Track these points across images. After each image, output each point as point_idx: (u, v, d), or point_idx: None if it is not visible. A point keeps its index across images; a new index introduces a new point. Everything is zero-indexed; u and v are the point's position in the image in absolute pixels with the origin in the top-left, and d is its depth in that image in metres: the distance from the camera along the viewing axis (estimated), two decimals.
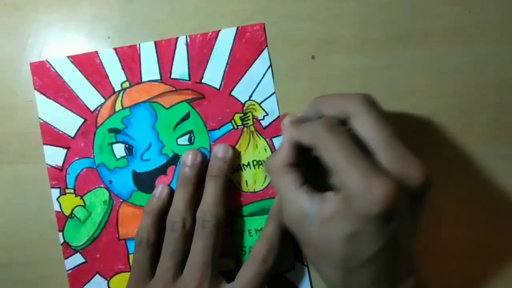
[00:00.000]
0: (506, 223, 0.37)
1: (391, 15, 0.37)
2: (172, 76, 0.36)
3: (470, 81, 0.37)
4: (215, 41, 0.36)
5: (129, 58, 0.36)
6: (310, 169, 0.31)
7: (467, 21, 0.37)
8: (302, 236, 0.30)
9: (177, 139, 0.36)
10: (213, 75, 0.36)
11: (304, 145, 0.30)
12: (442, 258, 0.37)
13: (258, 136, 0.37)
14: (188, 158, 0.35)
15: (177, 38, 0.36)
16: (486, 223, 0.37)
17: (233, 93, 0.37)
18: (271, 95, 0.37)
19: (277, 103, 0.37)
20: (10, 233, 0.36)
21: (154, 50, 0.36)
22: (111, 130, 0.36)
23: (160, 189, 0.36)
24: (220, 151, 0.36)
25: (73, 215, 0.36)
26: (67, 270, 0.36)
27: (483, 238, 0.37)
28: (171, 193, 0.36)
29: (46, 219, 0.36)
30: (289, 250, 0.36)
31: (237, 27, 0.36)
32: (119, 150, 0.36)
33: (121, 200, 0.36)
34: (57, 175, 0.36)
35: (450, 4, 0.37)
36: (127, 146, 0.36)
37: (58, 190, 0.36)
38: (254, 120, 0.37)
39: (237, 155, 0.36)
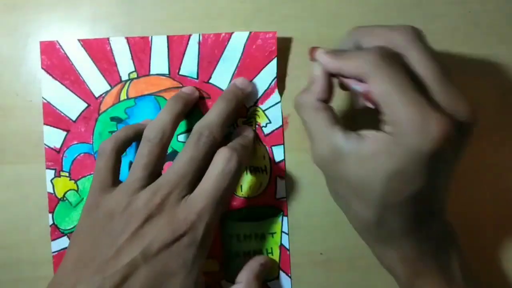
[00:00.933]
0: (506, 224, 0.37)
1: (391, 15, 0.37)
2: (181, 73, 0.36)
3: (470, 81, 0.37)
4: (227, 43, 0.36)
5: (140, 49, 0.36)
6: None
7: (467, 21, 0.37)
8: (335, 174, 0.28)
9: (177, 135, 0.36)
10: (221, 77, 0.36)
11: (345, 76, 0.29)
12: None
13: (258, 143, 0.37)
14: (186, 89, 0.35)
15: (190, 35, 0.36)
16: (486, 223, 0.37)
17: None
18: (277, 103, 0.36)
19: (282, 112, 0.37)
20: (10, 233, 0.36)
21: (166, 44, 0.36)
22: (113, 119, 0.36)
23: (145, 121, 0.35)
24: (240, 83, 0.35)
25: (65, 198, 0.36)
26: (53, 252, 0.36)
27: (485, 241, 0.37)
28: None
29: (46, 219, 0.36)
30: (274, 260, 0.36)
31: (250, 32, 0.36)
32: None
33: None
34: (54, 157, 0.36)
35: (450, 4, 0.37)
36: None
37: (53, 171, 0.36)
38: (257, 126, 0.37)
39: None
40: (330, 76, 0.30)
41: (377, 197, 0.27)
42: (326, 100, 0.30)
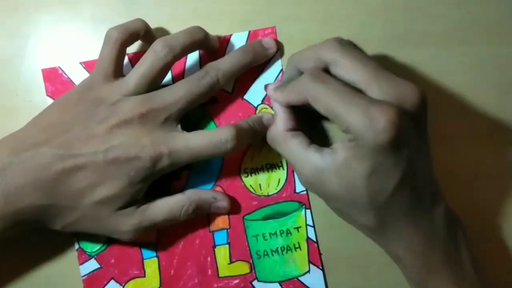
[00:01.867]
0: (506, 224, 0.37)
1: (391, 15, 0.37)
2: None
3: (470, 81, 0.37)
4: (227, 44, 0.36)
5: None
6: (311, 132, 0.33)
7: (466, 21, 0.37)
8: (324, 192, 0.30)
9: None
10: None
11: (296, 105, 0.31)
12: None
13: None
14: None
15: None
16: (486, 223, 0.37)
17: (245, 97, 0.37)
18: None
19: None
20: None
21: None
22: None
23: None
24: (266, 42, 0.36)
25: None
26: (82, 276, 0.36)
27: (486, 243, 0.36)
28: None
29: None
30: (304, 253, 0.36)
31: (249, 31, 0.36)
32: None
33: None
34: None
35: (449, 4, 0.37)
36: None
37: None
38: None
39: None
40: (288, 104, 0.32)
41: (367, 201, 0.28)
42: (293, 127, 0.32)
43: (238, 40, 0.36)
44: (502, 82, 0.37)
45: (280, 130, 0.32)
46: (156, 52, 0.32)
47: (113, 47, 0.32)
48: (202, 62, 0.36)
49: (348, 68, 0.29)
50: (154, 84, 0.32)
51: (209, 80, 0.32)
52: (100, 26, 0.36)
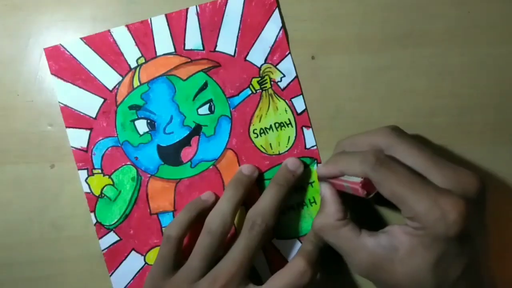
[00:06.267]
0: (506, 224, 0.37)
1: (391, 15, 0.37)
2: (186, 47, 0.37)
3: (470, 81, 0.37)
4: (225, 7, 0.36)
5: (141, 33, 0.36)
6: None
7: (466, 21, 0.37)
8: (383, 280, 0.29)
9: (197, 109, 0.37)
10: (226, 42, 0.37)
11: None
12: None
13: (278, 98, 0.37)
14: (246, 169, 0.36)
15: (187, 9, 0.36)
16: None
17: (248, 58, 0.37)
18: (287, 55, 0.37)
19: (293, 63, 0.37)
20: (11, 233, 0.36)
21: (166, 23, 0.36)
22: (131, 107, 0.36)
23: (208, 195, 0.36)
24: (291, 163, 0.36)
25: (103, 195, 0.36)
26: (102, 250, 0.36)
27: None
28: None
29: (46, 219, 0.36)
30: (318, 206, 0.37)
31: None
32: (142, 126, 0.36)
33: (149, 175, 0.36)
34: (83, 157, 0.36)
35: (450, 4, 0.37)
36: (149, 121, 0.36)
37: (85, 171, 0.36)
38: (272, 82, 0.37)
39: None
40: (339, 192, 0.32)
41: (432, 286, 0.27)
42: (343, 217, 0.31)
43: (236, 1, 0.36)
44: (502, 82, 0.37)
45: (332, 220, 0.31)
46: (211, 232, 0.32)
47: (173, 246, 0.33)
48: (202, 28, 0.36)
49: (405, 153, 0.29)
50: (218, 256, 0.33)
51: (258, 229, 0.32)
52: (100, 26, 0.37)
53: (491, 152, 0.37)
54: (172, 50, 0.36)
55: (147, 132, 0.36)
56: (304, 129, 0.37)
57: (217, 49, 0.37)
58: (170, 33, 0.36)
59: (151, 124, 0.36)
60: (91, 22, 0.37)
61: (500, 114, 0.37)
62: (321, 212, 0.32)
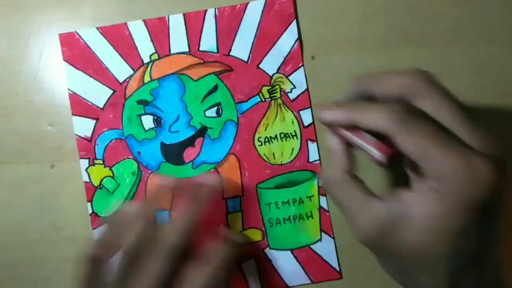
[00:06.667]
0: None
1: (391, 15, 0.37)
2: (201, 49, 0.37)
3: (470, 81, 0.37)
4: (244, 13, 0.36)
5: (158, 30, 0.36)
6: None
7: (467, 21, 0.37)
8: (388, 249, 0.25)
9: (205, 111, 0.37)
10: (241, 48, 0.37)
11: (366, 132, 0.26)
12: None
13: (286, 109, 0.37)
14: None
15: (206, 11, 0.36)
16: None
17: (261, 65, 0.37)
18: (299, 67, 0.37)
19: (305, 76, 0.37)
20: (11, 233, 0.36)
21: (183, 22, 0.36)
22: (139, 102, 0.36)
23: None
24: (210, 180, 0.34)
25: (101, 186, 0.36)
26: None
27: None
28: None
29: (46, 219, 0.36)
30: (315, 221, 0.37)
31: (266, 0, 0.36)
32: (148, 121, 0.36)
33: (150, 172, 0.36)
34: (86, 146, 0.36)
35: (450, 4, 0.37)
36: (155, 117, 0.36)
37: (87, 160, 0.36)
38: (282, 93, 0.37)
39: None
40: (348, 144, 0.28)
41: (449, 262, 0.24)
42: (352, 170, 0.28)
43: (255, 8, 0.36)
44: (502, 82, 0.37)
45: (340, 172, 0.27)
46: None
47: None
48: (218, 31, 0.36)
49: (436, 107, 0.25)
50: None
51: (168, 250, 0.29)
52: (99, 25, 0.37)
53: None
54: (186, 49, 0.37)
55: (152, 128, 0.36)
56: (309, 142, 0.37)
57: (231, 53, 0.37)
58: (186, 33, 0.36)
59: (157, 121, 0.36)
60: (91, 22, 0.37)
61: (500, 114, 0.37)
62: (330, 165, 0.28)
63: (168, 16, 0.36)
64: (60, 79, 0.37)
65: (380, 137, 0.26)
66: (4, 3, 0.37)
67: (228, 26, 0.36)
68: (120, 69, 0.36)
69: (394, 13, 0.37)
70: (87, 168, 0.36)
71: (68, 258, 0.36)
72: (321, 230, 0.37)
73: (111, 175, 0.36)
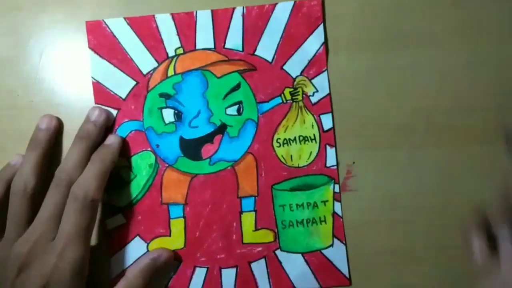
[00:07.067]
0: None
1: (391, 15, 0.37)
2: (226, 46, 0.37)
3: (470, 81, 0.37)
4: (271, 14, 0.36)
5: (185, 24, 0.36)
6: None
7: (467, 21, 0.37)
8: None
9: (226, 108, 0.37)
10: (266, 48, 0.37)
11: None
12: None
13: (307, 112, 0.37)
14: (44, 121, 0.35)
15: (234, 8, 0.36)
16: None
17: (284, 67, 0.37)
18: (323, 71, 0.37)
19: (329, 80, 0.37)
20: None
21: (210, 19, 0.36)
22: (162, 95, 0.36)
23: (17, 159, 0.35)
24: (93, 114, 0.35)
25: (118, 176, 0.36)
26: (107, 230, 0.36)
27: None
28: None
29: None
30: (328, 226, 0.37)
31: (295, 1, 0.36)
32: (168, 115, 0.36)
33: (167, 165, 0.36)
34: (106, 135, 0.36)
35: (450, 4, 0.37)
36: (176, 111, 0.36)
37: None
38: (304, 95, 0.37)
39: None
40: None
41: None
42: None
43: (283, 9, 0.36)
44: (502, 82, 0.37)
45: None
46: (15, 193, 0.33)
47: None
48: (245, 29, 0.36)
49: None
50: (31, 217, 0.33)
51: (64, 183, 0.32)
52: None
53: (491, 152, 0.37)
54: (212, 46, 0.37)
55: (172, 122, 0.36)
56: (328, 147, 0.37)
57: (256, 52, 0.37)
58: (213, 29, 0.36)
59: (178, 115, 0.36)
60: None
61: (501, 114, 0.37)
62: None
63: (196, 12, 0.36)
64: (60, 79, 0.37)
65: None
66: (4, 3, 0.37)
67: (255, 25, 0.36)
68: (144, 61, 0.36)
69: (394, 13, 0.37)
70: None
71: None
72: (333, 236, 0.37)
73: (128, 165, 0.36)
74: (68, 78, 0.37)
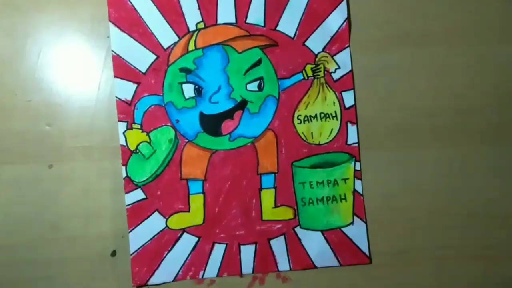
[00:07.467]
0: (507, 223, 0.37)
1: (391, 15, 0.37)
2: (248, 21, 0.36)
3: (470, 81, 0.37)
4: None
5: None
6: None
7: (467, 21, 0.37)
8: None
9: (246, 84, 0.36)
10: (288, 23, 0.36)
11: None
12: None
13: (328, 89, 0.36)
14: None
15: None
16: (486, 223, 0.37)
17: (306, 43, 0.36)
18: (345, 48, 0.36)
19: (351, 56, 0.36)
20: (11, 233, 0.36)
21: None
22: (182, 70, 0.36)
23: None
24: None
25: (137, 151, 0.36)
26: (127, 205, 0.36)
27: (482, 236, 0.37)
28: None
29: (46, 219, 0.36)
30: (349, 204, 0.36)
31: None
32: (189, 90, 0.36)
33: (186, 140, 0.36)
34: (126, 109, 0.36)
35: (450, 4, 0.37)
36: (196, 87, 0.36)
37: (125, 124, 0.36)
38: (326, 72, 0.36)
39: None
40: None
41: None
42: None
43: None
44: (502, 82, 0.37)
45: None
46: None
47: None
48: (267, 4, 0.36)
49: None
50: None
51: None
52: (98, 26, 0.36)
53: (491, 152, 0.37)
54: (233, 20, 0.36)
55: (192, 97, 0.36)
56: (349, 124, 0.36)
57: (277, 28, 0.36)
58: (235, 3, 0.36)
59: (198, 90, 0.36)
60: (89, 21, 0.36)
61: (501, 114, 0.37)
62: None
63: None
64: (58, 78, 0.37)
65: None
66: (4, 2, 0.36)
67: (277, 0, 0.36)
68: (165, 35, 0.36)
69: (394, 13, 0.37)
70: (125, 131, 0.36)
71: (67, 258, 0.36)
72: (353, 214, 0.36)
73: (148, 140, 0.36)
74: (66, 78, 0.37)
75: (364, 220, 0.36)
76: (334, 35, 0.36)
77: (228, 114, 0.36)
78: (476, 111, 0.37)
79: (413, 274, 0.37)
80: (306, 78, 0.36)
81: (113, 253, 0.36)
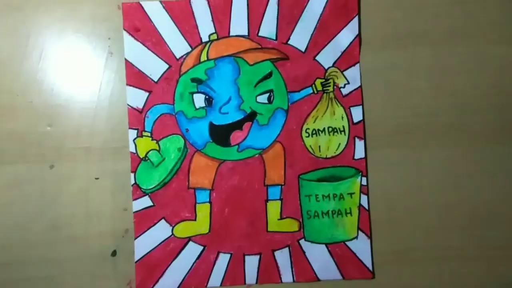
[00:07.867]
0: (507, 223, 0.37)
1: (391, 15, 0.37)
2: (260, 34, 0.37)
3: (470, 81, 0.37)
4: (307, 3, 0.36)
5: (220, 10, 0.36)
6: None
7: (467, 21, 0.37)
8: None
9: (256, 96, 0.37)
10: (300, 37, 0.37)
11: None
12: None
13: (337, 104, 0.37)
14: None
15: None
16: (486, 223, 0.37)
17: (317, 57, 0.37)
18: (355, 64, 0.37)
19: (360, 73, 0.37)
20: (10, 233, 0.36)
21: (246, 5, 0.36)
22: (193, 80, 0.37)
23: None
24: None
25: (147, 158, 0.36)
26: (134, 212, 0.36)
27: (483, 236, 0.37)
28: None
29: (46, 219, 0.36)
30: (354, 219, 0.37)
31: None
32: (199, 100, 0.37)
33: (195, 150, 0.37)
34: (137, 117, 0.36)
35: (450, 4, 0.37)
36: (207, 97, 0.37)
37: (135, 131, 0.36)
38: (335, 87, 0.37)
39: None
40: None
41: None
42: None
43: (318, 1, 0.36)
44: (502, 82, 0.37)
45: None
46: None
47: None
48: (279, 18, 0.37)
49: None
50: None
51: None
52: (99, 26, 0.37)
53: (491, 152, 0.37)
54: (246, 33, 0.37)
55: (203, 107, 0.37)
56: (357, 139, 0.37)
57: (289, 42, 0.37)
58: (248, 16, 0.37)
59: (209, 101, 0.37)
60: (90, 22, 0.37)
61: (500, 114, 0.37)
62: None
63: None
64: (59, 79, 0.37)
65: None
66: (4, 3, 0.37)
67: (290, 14, 0.36)
68: (178, 45, 0.36)
69: (394, 13, 0.37)
70: (135, 139, 0.36)
71: (68, 258, 0.36)
72: (358, 228, 0.37)
73: (157, 148, 0.36)
74: (68, 79, 0.37)
75: (369, 235, 0.37)
76: (344, 50, 0.37)
77: (237, 125, 0.37)
78: (477, 111, 0.37)
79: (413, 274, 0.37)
80: (315, 92, 0.37)
81: (113, 253, 0.37)
